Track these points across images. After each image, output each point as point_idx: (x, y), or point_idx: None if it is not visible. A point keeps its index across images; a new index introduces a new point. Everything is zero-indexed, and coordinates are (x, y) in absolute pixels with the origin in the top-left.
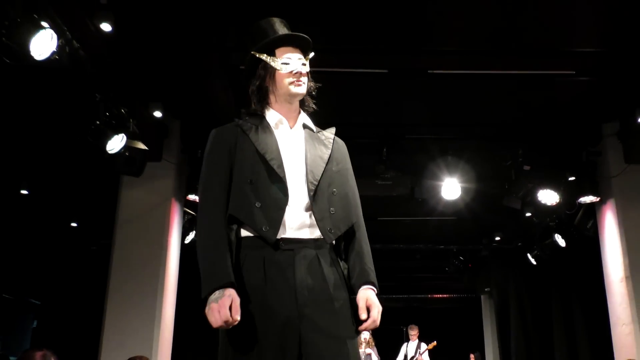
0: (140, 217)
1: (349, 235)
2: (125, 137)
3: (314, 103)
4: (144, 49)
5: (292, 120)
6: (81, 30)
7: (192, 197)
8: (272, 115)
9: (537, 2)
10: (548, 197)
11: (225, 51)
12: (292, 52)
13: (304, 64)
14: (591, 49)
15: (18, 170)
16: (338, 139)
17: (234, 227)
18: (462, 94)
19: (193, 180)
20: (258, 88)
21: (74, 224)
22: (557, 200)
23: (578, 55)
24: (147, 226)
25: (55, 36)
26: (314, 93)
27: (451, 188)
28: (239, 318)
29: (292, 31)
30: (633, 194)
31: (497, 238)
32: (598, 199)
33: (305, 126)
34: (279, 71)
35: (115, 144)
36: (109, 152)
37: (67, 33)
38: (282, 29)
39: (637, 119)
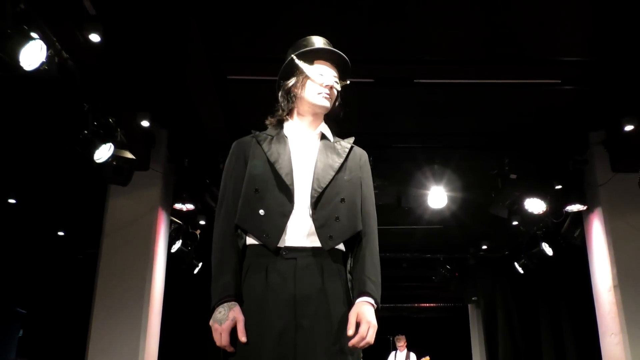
0: (127, 226)
1: (356, 244)
2: (112, 147)
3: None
4: (132, 59)
5: (311, 130)
6: (70, 41)
7: (179, 206)
8: (290, 125)
9: (523, 11)
10: (535, 205)
11: (213, 61)
12: (329, 68)
13: (336, 82)
14: (577, 58)
15: (6, 180)
16: (358, 149)
17: (243, 235)
18: (448, 103)
19: (180, 190)
20: (287, 91)
21: (60, 233)
22: (544, 209)
23: (564, 64)
24: (134, 235)
25: (44, 47)
26: (340, 116)
27: (438, 197)
28: (244, 340)
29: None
30: (620, 202)
31: (484, 247)
32: (585, 208)
33: (323, 136)
34: (312, 80)
35: (103, 153)
36: (97, 161)
37: (57, 44)
38: (325, 46)
39: (623, 128)
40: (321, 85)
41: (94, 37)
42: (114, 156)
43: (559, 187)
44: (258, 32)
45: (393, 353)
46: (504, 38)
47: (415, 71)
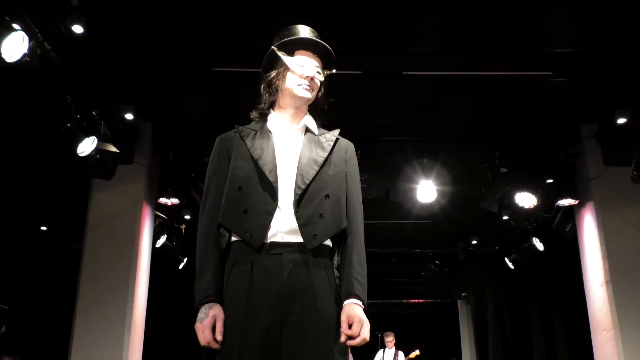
0: (111, 220)
1: (343, 241)
2: (96, 140)
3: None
4: (115, 50)
5: (295, 124)
6: (53, 32)
7: (164, 200)
8: (273, 118)
9: (514, 2)
10: (525, 199)
11: (197, 53)
12: (311, 58)
13: (318, 72)
14: (569, 50)
15: None
16: (343, 142)
17: (226, 233)
18: (438, 96)
19: (164, 183)
20: (269, 84)
21: (43, 228)
22: (535, 203)
23: (556, 56)
24: (118, 230)
25: (26, 38)
26: (325, 107)
27: (426, 191)
28: (220, 338)
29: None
30: (612, 196)
31: (474, 242)
32: (577, 202)
33: (307, 129)
34: (292, 71)
35: (86, 146)
36: (80, 154)
37: (39, 35)
38: (308, 36)
39: (616, 121)
40: (301, 76)
41: (77, 29)
42: (97, 149)
43: (550, 181)
44: (244, 23)
45: (381, 351)
46: (495, 29)
47: (404, 63)
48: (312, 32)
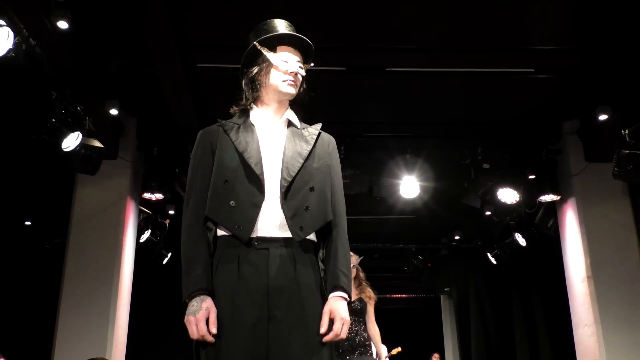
0: (96, 215)
1: (327, 234)
2: (80, 135)
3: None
4: (100, 46)
5: (277, 118)
6: (38, 28)
7: (148, 195)
8: (256, 113)
9: (496, 0)
10: (508, 195)
11: (182, 49)
12: (293, 53)
13: (300, 67)
14: (551, 47)
15: None
16: (325, 135)
17: (213, 227)
18: (421, 92)
19: (149, 179)
20: (251, 80)
21: (28, 223)
22: (517, 199)
23: (538, 53)
24: (102, 225)
25: (11, 34)
26: (305, 101)
27: (410, 186)
28: (215, 331)
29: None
30: (594, 192)
31: (457, 237)
32: (558, 198)
33: (290, 123)
34: (276, 67)
35: (71, 141)
36: (65, 150)
37: (24, 30)
38: (287, 30)
39: (597, 117)
40: (286, 72)
41: (62, 24)
42: (82, 145)
43: (532, 176)
44: (228, 19)
45: None
46: (477, 26)
47: (387, 60)
48: (289, 25)
